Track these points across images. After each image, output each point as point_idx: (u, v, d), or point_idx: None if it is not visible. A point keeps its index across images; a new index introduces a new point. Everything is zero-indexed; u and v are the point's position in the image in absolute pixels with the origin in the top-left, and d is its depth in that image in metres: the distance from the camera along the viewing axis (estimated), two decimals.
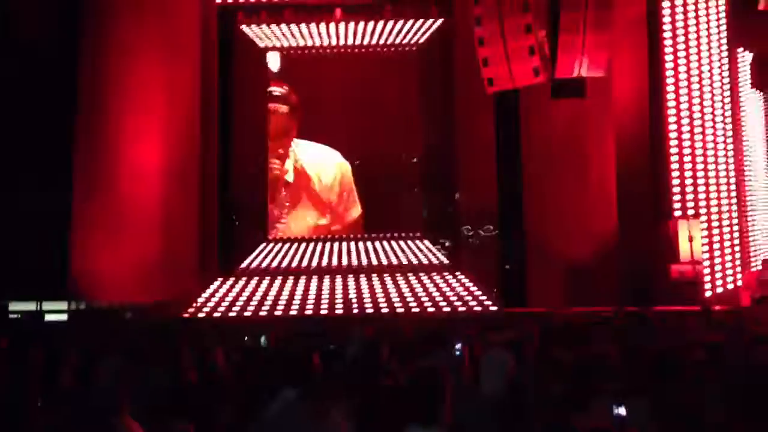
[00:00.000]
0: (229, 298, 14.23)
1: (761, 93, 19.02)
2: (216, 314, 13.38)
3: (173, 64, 14.40)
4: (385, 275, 15.26)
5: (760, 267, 16.41)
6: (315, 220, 17.71)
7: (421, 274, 15.35)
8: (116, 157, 13.88)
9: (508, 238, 15.11)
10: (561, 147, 14.07)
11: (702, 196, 14.09)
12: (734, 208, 14.80)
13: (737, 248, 14.71)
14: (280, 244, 17.28)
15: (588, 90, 12.91)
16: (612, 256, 13.60)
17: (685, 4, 14.59)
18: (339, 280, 15.09)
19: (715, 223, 14.20)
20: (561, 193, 13.99)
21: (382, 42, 17.58)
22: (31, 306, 12.08)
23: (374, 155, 17.65)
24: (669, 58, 14.36)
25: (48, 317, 11.78)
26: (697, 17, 14.72)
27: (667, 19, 14.47)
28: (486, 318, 11.71)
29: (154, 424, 3.57)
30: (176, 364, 4.92)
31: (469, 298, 13.94)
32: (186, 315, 13.12)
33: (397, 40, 17.62)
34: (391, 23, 16.93)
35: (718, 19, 15.01)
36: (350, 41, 17.55)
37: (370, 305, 13.51)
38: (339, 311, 13.32)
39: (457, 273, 15.37)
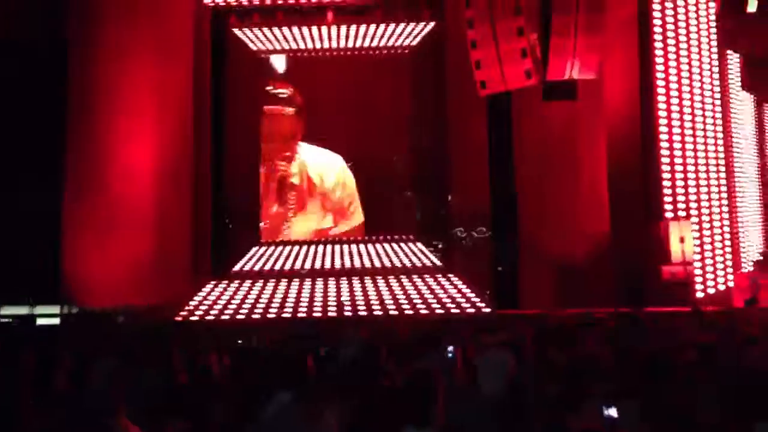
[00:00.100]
0: (222, 301, 14.21)
1: (750, 94, 19.15)
2: (209, 317, 13.36)
3: (165, 66, 14.39)
4: (378, 277, 15.26)
5: (751, 268, 16.50)
6: (319, 223, 17.66)
7: (414, 277, 15.36)
8: (108, 159, 13.86)
9: (500, 240, 15.13)
10: (553, 149, 14.13)
11: (693, 197, 14.16)
12: (725, 209, 14.88)
13: (728, 249, 14.79)
14: (273, 247, 17.26)
15: (579, 92, 12.98)
16: (604, 258, 13.65)
17: (675, 6, 14.66)
18: (332, 282, 15.08)
19: (705, 224, 14.27)
20: (553, 195, 14.05)
21: (374, 45, 17.59)
22: (22, 310, 12.03)
23: (367, 157, 17.65)
24: (659, 59, 14.42)
25: (40, 321, 11.72)
26: (687, 19, 14.80)
27: (657, 21, 14.53)
28: (479, 320, 11.73)
29: (148, 426, 3.57)
30: (169, 367, 4.93)
31: (462, 300, 13.95)
32: (178, 318, 13.09)
33: (390, 43, 17.62)
34: (382, 26, 16.94)
35: (707, 21, 15.10)
36: (342, 44, 17.55)
37: (364, 308, 13.51)
38: (332, 314, 13.31)
39: (450, 275, 15.38)
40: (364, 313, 13.17)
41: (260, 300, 14.22)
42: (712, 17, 15.15)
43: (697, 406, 3.70)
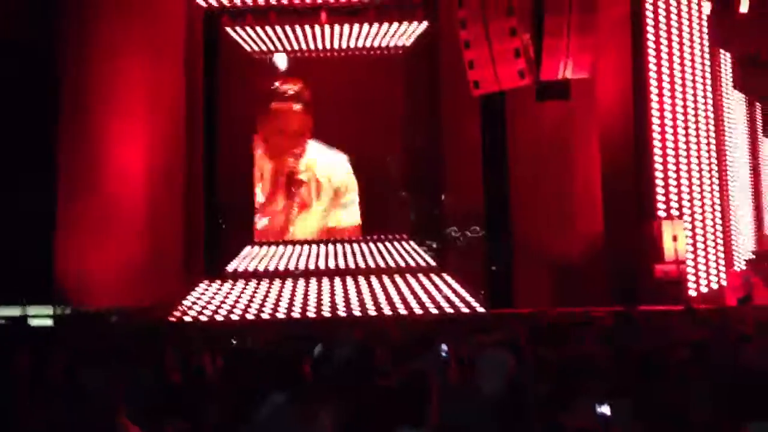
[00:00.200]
0: (215, 301, 14.20)
1: (743, 93, 19.24)
2: (202, 317, 13.35)
3: (158, 66, 14.35)
4: (371, 277, 15.27)
5: (743, 266, 16.57)
6: (321, 222, 17.61)
7: (408, 276, 15.38)
8: (101, 159, 13.82)
9: (494, 239, 15.14)
10: (547, 148, 14.15)
11: (686, 196, 14.21)
12: (717, 208, 14.95)
13: (720, 248, 14.85)
14: (265, 247, 17.25)
15: (573, 92, 13.00)
16: (598, 257, 13.68)
17: (667, 6, 14.71)
18: (326, 282, 15.09)
19: (698, 223, 14.33)
20: (547, 194, 14.07)
21: (368, 45, 17.60)
22: (15, 311, 11.98)
23: (361, 157, 17.67)
24: (652, 59, 14.48)
25: (33, 322, 11.68)
26: (679, 18, 14.85)
27: (650, 21, 14.58)
28: (473, 319, 11.74)
29: (145, 426, 3.56)
30: (162, 367, 4.92)
31: (456, 299, 13.97)
32: (171, 318, 13.07)
33: (383, 43, 17.64)
34: (376, 26, 16.95)
35: (699, 21, 15.17)
36: (336, 44, 17.56)
37: (358, 308, 13.52)
38: (326, 314, 13.31)
39: (444, 275, 15.40)
40: (359, 314, 13.17)
41: (253, 300, 14.22)
42: (704, 16, 15.22)
43: (690, 405, 3.72)
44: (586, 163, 14.29)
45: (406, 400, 3.09)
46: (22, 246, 12.46)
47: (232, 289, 15.00)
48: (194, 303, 14.10)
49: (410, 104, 17.52)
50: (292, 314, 13.35)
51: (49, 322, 11.87)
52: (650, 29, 14.57)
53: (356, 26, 16.89)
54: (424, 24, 17.07)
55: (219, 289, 14.97)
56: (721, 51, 17.60)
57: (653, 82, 14.41)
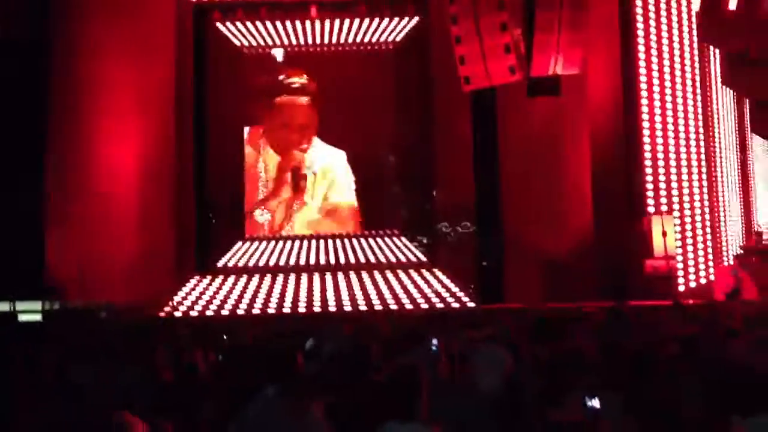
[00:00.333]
0: (206, 297, 14.19)
1: (731, 90, 19.34)
2: (192, 313, 13.33)
3: (148, 63, 14.28)
4: (363, 273, 15.28)
5: (732, 262, 16.68)
6: (318, 220, 17.51)
7: (399, 272, 15.39)
8: (90, 156, 13.76)
9: (485, 235, 15.18)
10: (538, 144, 14.18)
11: (675, 192, 14.28)
12: (706, 203, 15.03)
13: (709, 243, 14.94)
14: (256, 243, 17.22)
15: (563, 88, 13.02)
16: (588, 252, 13.73)
17: (657, 3, 14.76)
18: (316, 278, 15.09)
19: (687, 219, 14.41)
20: (537, 190, 14.10)
21: (358, 40, 17.58)
22: (4, 306, 11.94)
23: (352, 153, 17.64)
24: (642, 56, 14.53)
25: (22, 317, 11.65)
26: (668, 15, 14.91)
27: (639, 18, 14.63)
28: (464, 315, 11.76)
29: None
30: (152, 365, 4.91)
31: (447, 295, 14.00)
32: (162, 314, 13.03)
33: (374, 38, 17.62)
34: (366, 21, 16.93)
35: (689, 18, 15.23)
36: (326, 39, 17.51)
37: (348, 303, 13.53)
38: (317, 309, 13.32)
39: (435, 270, 15.43)
40: (349, 309, 13.19)
41: (244, 296, 14.21)
42: (693, 13, 15.29)
43: (679, 399, 3.74)
44: (576, 159, 14.34)
45: (396, 395, 3.10)
46: (12, 243, 12.41)
47: (222, 284, 14.98)
48: (184, 299, 14.07)
49: (401, 100, 17.49)
50: (283, 310, 13.35)
51: (38, 318, 11.83)
52: (640, 26, 14.62)
53: (346, 21, 16.86)
54: (415, 19, 17.06)
55: (209, 285, 14.95)
56: (710, 48, 17.69)
57: (643, 79, 14.47)
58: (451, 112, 15.50)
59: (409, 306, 13.32)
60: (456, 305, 13.43)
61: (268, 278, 15.18)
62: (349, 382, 3.72)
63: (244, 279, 15.19)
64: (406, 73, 17.47)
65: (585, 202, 14.16)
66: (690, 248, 14.35)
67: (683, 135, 14.62)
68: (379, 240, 17.10)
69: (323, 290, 14.28)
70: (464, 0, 12.56)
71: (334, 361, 4.23)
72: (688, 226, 14.40)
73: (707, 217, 15.02)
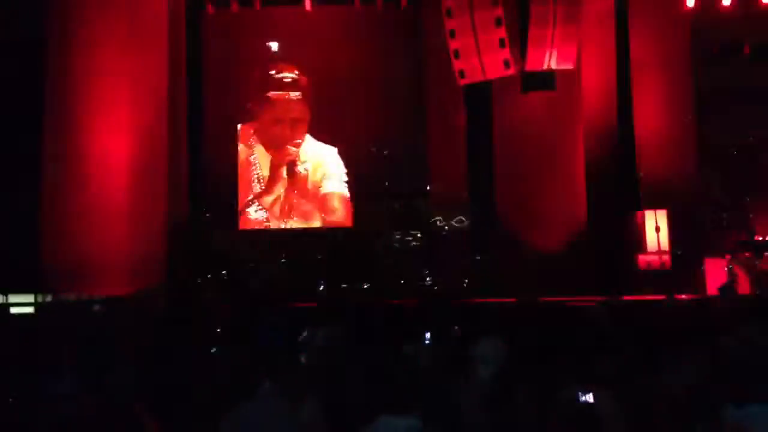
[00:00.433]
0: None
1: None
2: None
3: (140, 55, 14.16)
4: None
5: (725, 256, 16.71)
6: (317, 212, 17.42)
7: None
8: (82, 149, 13.66)
9: (479, 229, 15.20)
10: (531, 138, 14.18)
11: (668, 186, 14.31)
12: (700, 198, 15.08)
13: (703, 238, 14.97)
14: (250, 237, 17.17)
15: (558, 82, 13.05)
16: (582, 247, 13.76)
17: None
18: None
19: (681, 214, 14.43)
20: (531, 184, 14.11)
21: (352, 33, 17.51)
22: None
23: (344, 147, 17.56)
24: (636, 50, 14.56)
25: (14, 310, 11.64)
26: (662, 11, 14.94)
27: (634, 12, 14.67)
28: (458, 308, 11.78)
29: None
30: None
31: (441, 288, 14.02)
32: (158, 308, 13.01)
33: (369, 32, 17.56)
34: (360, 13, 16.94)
35: (682, 13, 15.27)
36: (320, 32, 17.43)
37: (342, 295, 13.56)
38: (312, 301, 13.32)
39: (429, 264, 15.44)
40: (345, 300, 13.20)
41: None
42: (686, 8, 15.34)
43: (672, 392, 3.77)
44: (570, 153, 14.35)
45: (392, 387, 3.11)
46: (4, 236, 12.40)
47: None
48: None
49: (394, 94, 17.43)
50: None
51: (30, 310, 11.82)
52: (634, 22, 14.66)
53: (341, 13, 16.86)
54: (409, 12, 17.07)
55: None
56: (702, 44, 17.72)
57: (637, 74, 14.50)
58: (446, 105, 15.49)
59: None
60: (450, 299, 13.43)
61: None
62: (343, 373, 3.73)
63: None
64: (401, 67, 17.42)
65: (578, 197, 14.19)
66: (683, 243, 14.37)
67: (676, 129, 14.67)
68: None
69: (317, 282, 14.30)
70: None
71: (328, 352, 4.23)
72: (682, 221, 14.42)
73: (701, 211, 15.06)
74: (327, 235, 17.00)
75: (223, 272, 15.17)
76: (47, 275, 12.58)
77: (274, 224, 17.34)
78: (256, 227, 17.36)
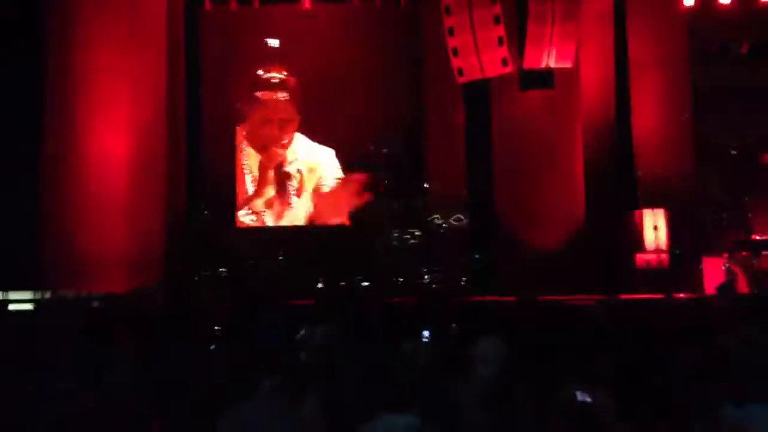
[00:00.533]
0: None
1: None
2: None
3: (139, 54, 14.15)
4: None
5: (724, 255, 16.72)
6: (311, 213, 17.36)
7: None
8: (81, 148, 13.66)
9: (478, 227, 15.20)
10: (530, 136, 14.19)
11: (667, 185, 14.31)
12: (698, 197, 15.08)
13: (702, 237, 14.98)
14: (249, 234, 17.14)
15: (556, 81, 13.06)
16: (580, 245, 13.78)
17: None
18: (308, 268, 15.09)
19: (679, 213, 14.43)
20: (530, 182, 14.12)
21: (351, 31, 17.49)
22: None
23: (342, 146, 17.54)
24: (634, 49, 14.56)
25: (13, 307, 11.65)
26: (661, 11, 14.94)
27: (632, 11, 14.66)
28: (457, 306, 11.79)
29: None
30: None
31: (440, 286, 14.03)
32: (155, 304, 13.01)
33: (368, 30, 17.54)
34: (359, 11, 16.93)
35: (681, 13, 15.26)
36: (318, 30, 17.40)
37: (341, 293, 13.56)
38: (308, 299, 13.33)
39: (427, 262, 15.44)
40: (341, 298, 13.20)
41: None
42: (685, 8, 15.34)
43: (670, 391, 3.77)
44: (568, 152, 14.37)
45: (390, 385, 3.11)
46: (4, 233, 12.40)
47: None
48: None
49: (393, 92, 17.41)
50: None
51: (29, 307, 11.83)
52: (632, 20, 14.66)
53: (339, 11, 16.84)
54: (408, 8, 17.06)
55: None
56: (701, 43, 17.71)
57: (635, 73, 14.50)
58: (445, 103, 15.49)
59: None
60: (448, 297, 13.43)
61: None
62: (342, 370, 3.73)
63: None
64: (400, 64, 17.39)
65: (577, 196, 14.20)
66: (681, 242, 14.38)
67: (674, 128, 14.67)
68: None
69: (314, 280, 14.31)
70: None
71: (326, 350, 4.24)
72: (680, 220, 14.43)
73: (700, 210, 15.06)
74: (325, 232, 16.97)
75: (222, 270, 15.15)
76: (46, 272, 12.60)
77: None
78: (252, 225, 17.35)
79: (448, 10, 12.68)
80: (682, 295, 11.80)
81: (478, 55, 12.63)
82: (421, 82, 16.66)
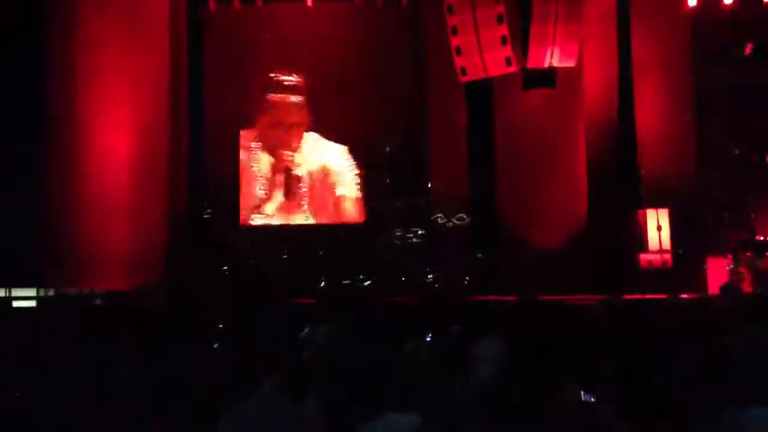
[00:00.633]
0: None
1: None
2: None
3: (141, 53, 14.14)
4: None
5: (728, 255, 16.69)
6: (318, 215, 17.33)
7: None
8: (84, 146, 13.67)
9: (480, 226, 15.19)
10: (533, 136, 14.17)
11: (670, 184, 14.29)
12: (702, 197, 15.06)
13: (705, 237, 14.95)
14: (250, 233, 17.14)
15: (559, 80, 13.04)
16: (583, 245, 13.75)
17: None
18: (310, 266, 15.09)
19: (683, 212, 14.41)
20: (533, 182, 14.10)
21: (353, 30, 17.48)
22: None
23: (349, 145, 17.53)
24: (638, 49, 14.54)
25: (16, 304, 11.70)
26: (663, 10, 14.92)
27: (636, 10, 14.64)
28: (459, 306, 11.78)
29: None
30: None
31: (442, 286, 14.01)
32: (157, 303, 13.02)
33: (369, 29, 17.54)
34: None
35: (683, 13, 15.24)
36: (322, 29, 17.40)
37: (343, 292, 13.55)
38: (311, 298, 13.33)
39: (429, 261, 15.42)
40: (344, 297, 13.19)
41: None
42: (688, 8, 15.32)
43: (672, 391, 3.76)
44: (571, 151, 14.34)
45: (392, 384, 3.10)
46: (6, 231, 12.43)
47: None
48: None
49: (396, 87, 17.40)
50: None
51: (32, 304, 11.87)
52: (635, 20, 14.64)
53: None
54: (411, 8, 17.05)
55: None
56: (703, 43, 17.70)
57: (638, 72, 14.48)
58: (447, 102, 15.47)
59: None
60: (450, 297, 13.42)
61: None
62: (344, 370, 3.72)
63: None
64: (402, 62, 17.39)
65: (579, 195, 14.18)
66: (685, 242, 14.35)
67: (677, 128, 14.65)
68: None
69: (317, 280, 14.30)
70: None
71: (328, 349, 4.23)
72: (683, 220, 14.40)
73: (704, 210, 15.05)
74: (328, 231, 16.96)
75: (224, 268, 15.16)
76: (49, 270, 12.61)
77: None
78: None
79: (451, 10, 12.68)
80: (685, 295, 11.78)
81: (482, 54, 12.63)
82: (423, 82, 16.65)
